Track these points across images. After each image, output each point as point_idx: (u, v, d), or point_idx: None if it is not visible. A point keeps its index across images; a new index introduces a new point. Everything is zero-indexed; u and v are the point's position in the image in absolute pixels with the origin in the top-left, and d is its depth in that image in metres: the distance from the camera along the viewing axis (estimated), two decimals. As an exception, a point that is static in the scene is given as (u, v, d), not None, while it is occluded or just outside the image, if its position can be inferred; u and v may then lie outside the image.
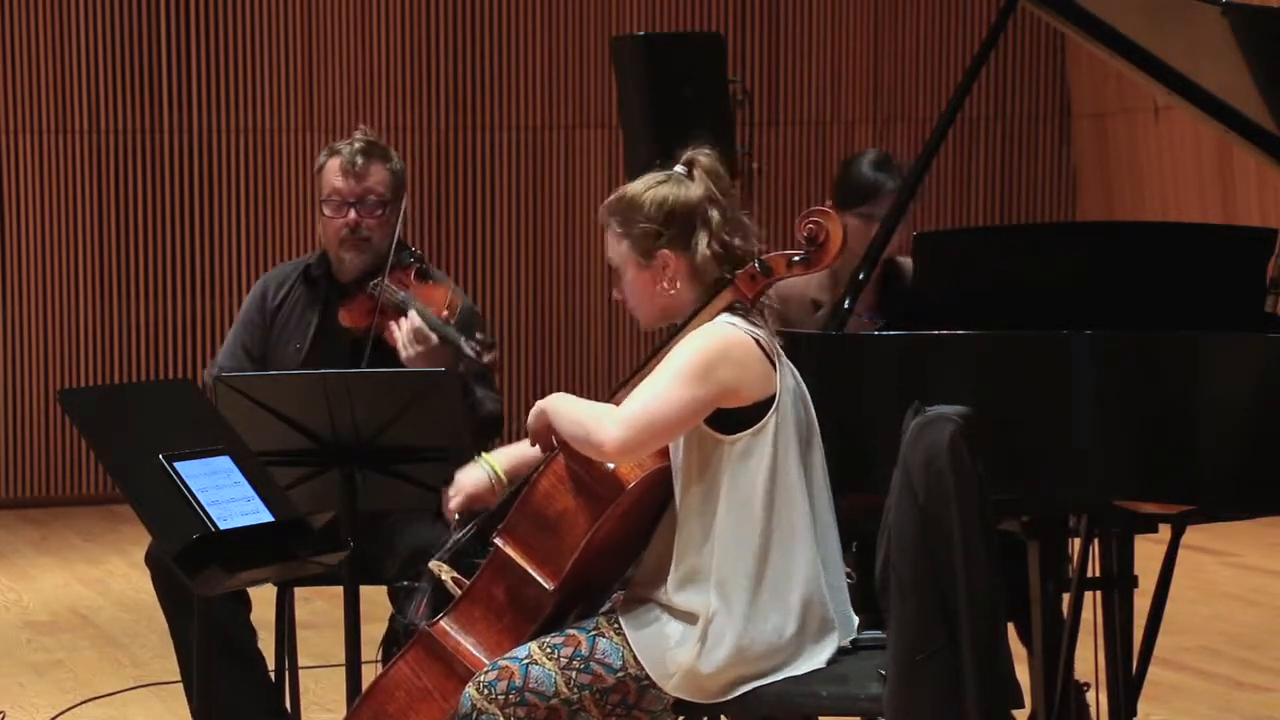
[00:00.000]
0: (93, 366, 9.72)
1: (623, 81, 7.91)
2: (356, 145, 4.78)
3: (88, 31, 9.60)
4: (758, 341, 3.63)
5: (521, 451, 3.86)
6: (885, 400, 3.77)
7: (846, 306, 4.28)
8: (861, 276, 4.31)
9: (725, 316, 3.66)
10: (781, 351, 3.68)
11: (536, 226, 10.18)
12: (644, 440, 3.54)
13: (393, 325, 4.61)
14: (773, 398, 3.61)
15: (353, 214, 4.74)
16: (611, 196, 3.75)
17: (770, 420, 3.60)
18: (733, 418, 3.60)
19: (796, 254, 3.68)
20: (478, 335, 4.53)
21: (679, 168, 3.71)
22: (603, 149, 10.17)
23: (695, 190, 3.67)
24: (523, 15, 10.10)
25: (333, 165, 4.78)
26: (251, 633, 4.70)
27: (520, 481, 3.74)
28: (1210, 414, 3.66)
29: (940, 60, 10.56)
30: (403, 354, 4.56)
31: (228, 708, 4.55)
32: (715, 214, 3.67)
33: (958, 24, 10.55)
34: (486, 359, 4.51)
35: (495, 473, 3.86)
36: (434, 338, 4.53)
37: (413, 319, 4.54)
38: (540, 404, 3.69)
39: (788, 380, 3.65)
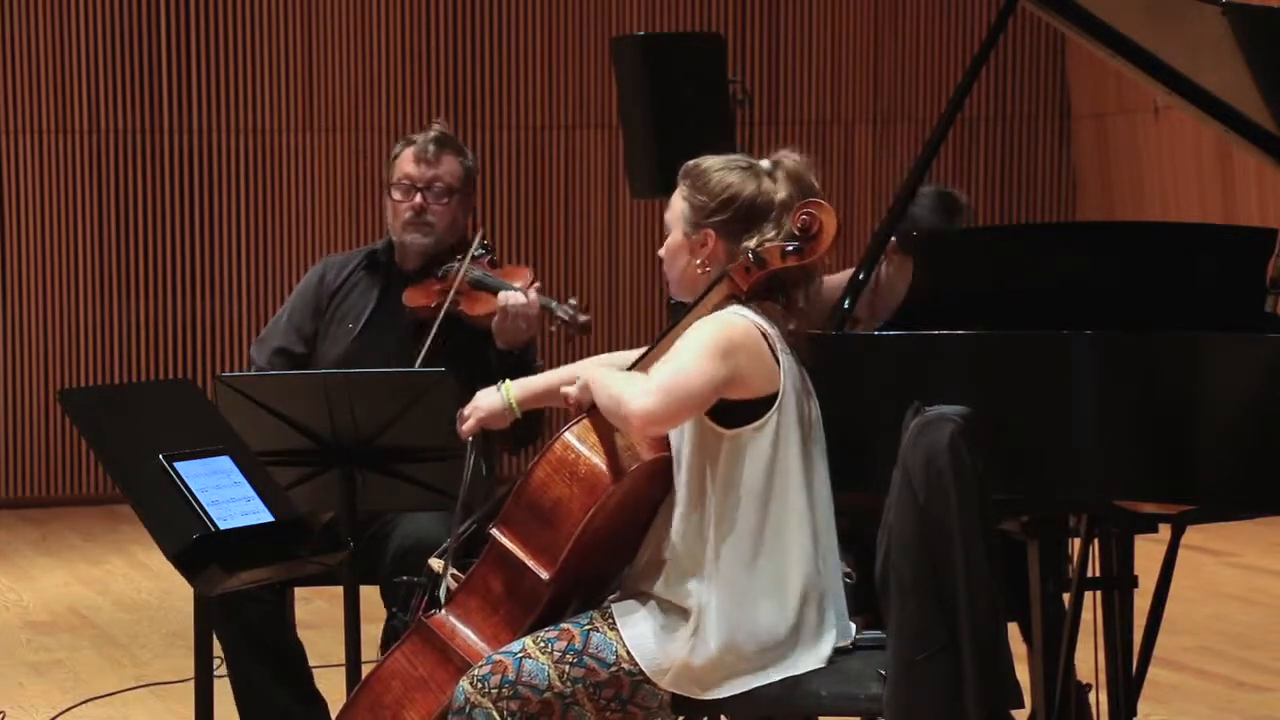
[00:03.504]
0: (93, 366, 9.72)
1: (623, 81, 7.91)
2: (432, 134, 4.93)
3: (88, 31, 9.60)
4: (764, 335, 3.64)
5: (540, 384, 3.94)
6: (885, 400, 3.77)
7: (846, 307, 4.28)
8: (861, 277, 4.31)
9: (735, 308, 3.67)
10: (788, 347, 3.68)
11: (536, 226, 10.18)
12: (671, 409, 3.55)
13: (474, 299, 4.76)
14: (776, 394, 3.62)
15: (419, 198, 4.87)
16: (693, 160, 3.78)
17: (773, 417, 3.60)
18: (735, 411, 3.60)
19: (789, 245, 3.68)
20: (570, 301, 4.80)
21: (765, 162, 3.73)
22: (603, 149, 10.17)
23: (778, 191, 3.69)
24: (523, 15, 10.10)
25: (407, 153, 4.92)
26: (283, 626, 4.70)
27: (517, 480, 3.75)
28: (1210, 414, 3.66)
29: (940, 60, 10.55)
30: (500, 323, 4.70)
31: (266, 700, 4.59)
32: (788, 222, 3.68)
33: (958, 24, 10.55)
34: (582, 319, 4.77)
35: (510, 402, 3.92)
36: (536, 305, 4.72)
37: (515, 295, 4.71)
38: (584, 375, 3.73)
39: (793, 377, 3.66)
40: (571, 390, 3.75)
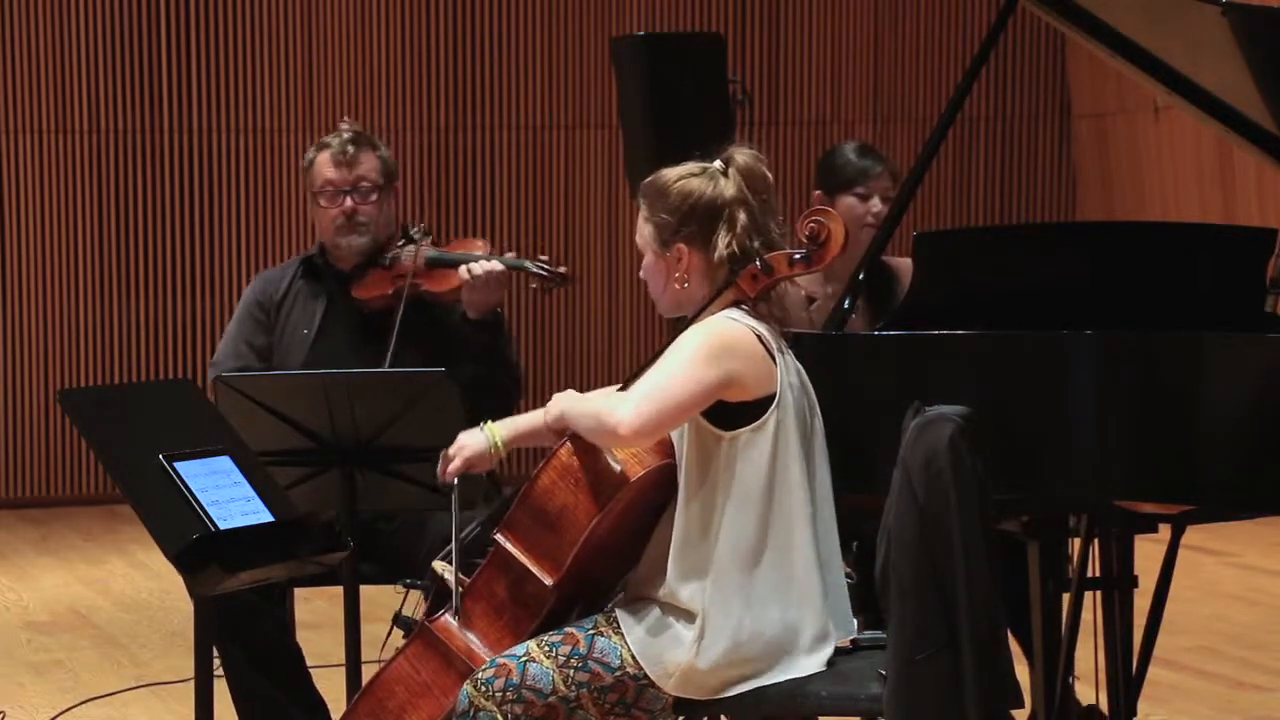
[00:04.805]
0: (93, 366, 9.72)
1: (623, 81, 7.90)
2: (345, 136, 4.90)
3: (88, 31, 9.60)
4: (759, 338, 3.63)
5: (525, 424, 3.84)
6: (885, 400, 3.77)
7: (846, 306, 4.28)
8: (862, 277, 4.31)
9: (728, 311, 3.67)
10: (786, 348, 3.68)
11: (536, 227, 10.18)
12: (656, 418, 3.53)
13: (434, 277, 4.76)
14: (774, 395, 3.61)
15: (348, 201, 4.85)
16: (650, 176, 3.75)
17: (772, 417, 3.60)
18: (734, 413, 3.60)
19: (798, 252, 3.69)
20: (540, 256, 4.82)
21: (717, 163, 3.70)
22: (603, 149, 10.17)
23: (726, 189, 3.67)
24: (523, 15, 10.10)
25: (323, 158, 4.88)
26: (280, 630, 4.68)
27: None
28: (1210, 414, 3.66)
29: (940, 60, 10.55)
30: (469, 293, 4.71)
31: (270, 707, 4.59)
32: (742, 216, 3.66)
33: (958, 24, 10.55)
34: (561, 270, 4.80)
35: (496, 442, 3.80)
36: (501, 269, 4.71)
37: (478, 264, 4.71)
38: (556, 407, 3.70)
39: (791, 377, 3.66)
40: (549, 420, 3.71)
